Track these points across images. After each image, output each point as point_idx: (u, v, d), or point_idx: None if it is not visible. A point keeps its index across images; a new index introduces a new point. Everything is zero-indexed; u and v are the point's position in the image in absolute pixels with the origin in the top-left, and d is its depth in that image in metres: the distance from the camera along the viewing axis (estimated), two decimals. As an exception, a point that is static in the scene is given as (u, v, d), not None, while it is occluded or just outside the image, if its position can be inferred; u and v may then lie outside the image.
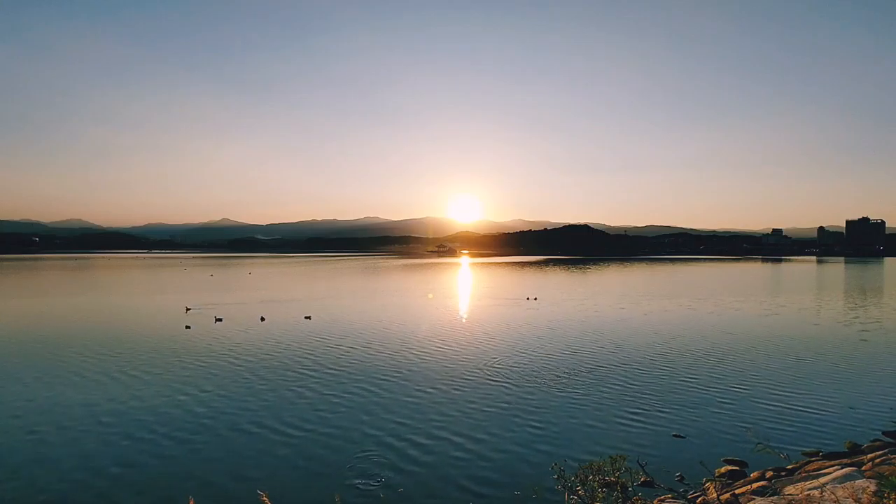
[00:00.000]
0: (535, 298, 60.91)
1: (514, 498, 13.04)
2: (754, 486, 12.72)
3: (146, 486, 13.68)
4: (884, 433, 17.16)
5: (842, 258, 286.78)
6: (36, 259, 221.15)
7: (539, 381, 23.85)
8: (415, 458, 15.40)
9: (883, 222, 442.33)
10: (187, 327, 38.72)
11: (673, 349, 31.12)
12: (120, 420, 18.59)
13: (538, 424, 18.14)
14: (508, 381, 23.87)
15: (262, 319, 43.06)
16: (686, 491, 12.93)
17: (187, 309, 49.26)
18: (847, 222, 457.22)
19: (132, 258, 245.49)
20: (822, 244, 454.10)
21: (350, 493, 13.17)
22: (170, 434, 17.21)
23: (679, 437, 17.01)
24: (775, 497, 11.24)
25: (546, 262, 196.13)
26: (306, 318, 43.93)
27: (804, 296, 67.11)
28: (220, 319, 42.52)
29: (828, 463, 14.03)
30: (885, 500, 7.39)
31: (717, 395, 21.74)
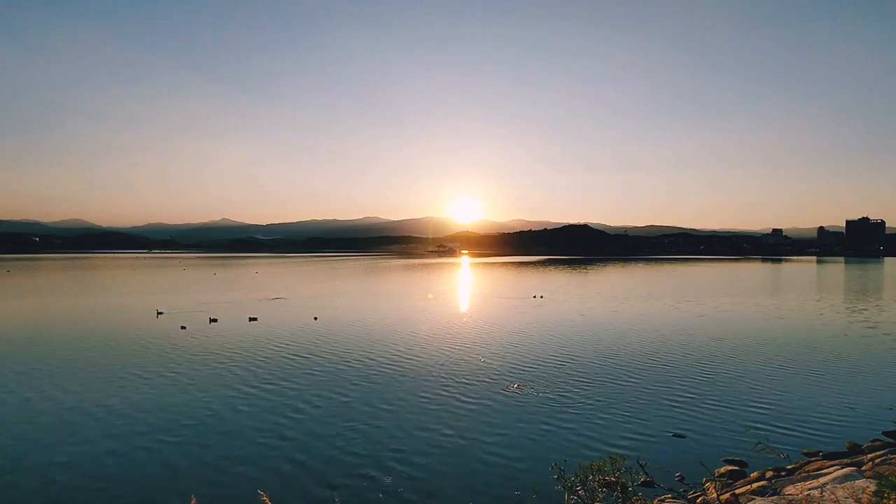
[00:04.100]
0: (541, 296, 62.21)
1: (514, 498, 13.04)
2: (754, 486, 12.72)
3: (148, 485, 13.68)
4: (884, 433, 17.16)
5: (842, 258, 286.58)
6: (35, 259, 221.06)
7: (539, 380, 23.84)
8: (415, 457, 15.40)
9: (883, 222, 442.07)
10: (182, 327, 38.68)
11: (673, 349, 31.11)
12: (118, 420, 18.59)
13: (538, 424, 18.14)
14: (507, 380, 23.87)
15: (254, 319, 42.90)
16: (686, 491, 12.93)
17: (158, 312, 46.60)
18: (847, 222, 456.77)
19: (132, 258, 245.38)
20: (822, 244, 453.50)
21: (350, 493, 13.17)
22: (169, 434, 17.22)
23: (679, 437, 17.01)
24: (775, 497, 11.24)
25: (546, 263, 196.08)
26: (314, 318, 43.91)
27: (804, 296, 67.10)
28: (214, 320, 42.47)
29: (828, 463, 14.03)
30: (884, 501, 7.38)
31: (717, 395, 21.75)
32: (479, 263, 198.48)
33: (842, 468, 12.61)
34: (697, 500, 12.21)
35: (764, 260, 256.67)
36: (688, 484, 13.61)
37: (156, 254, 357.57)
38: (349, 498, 12.91)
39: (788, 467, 14.16)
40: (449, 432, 17.43)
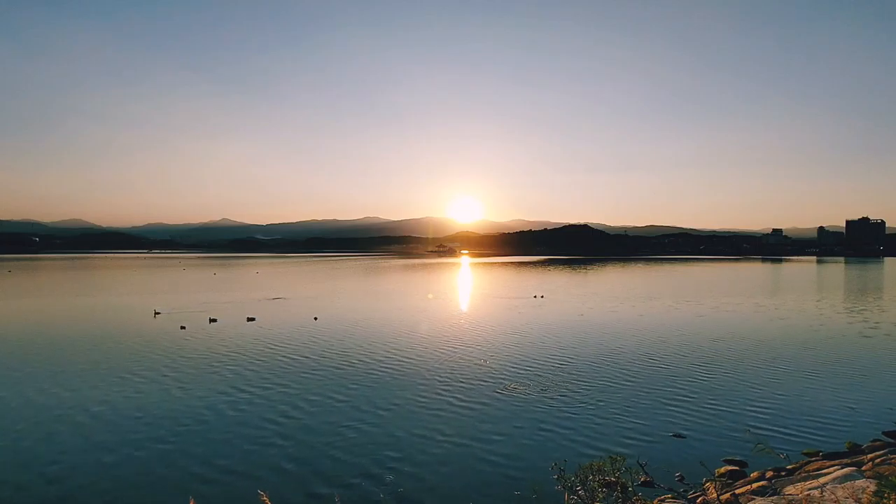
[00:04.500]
0: (542, 296, 62.54)
1: (514, 498, 13.03)
2: (754, 486, 12.72)
3: (147, 485, 13.68)
4: (884, 433, 17.17)
5: (842, 258, 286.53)
6: (35, 259, 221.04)
7: (539, 380, 23.84)
8: (415, 458, 15.40)
9: (883, 222, 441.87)
10: (182, 327, 38.68)
11: (673, 349, 31.11)
12: (118, 420, 18.59)
13: (538, 424, 18.14)
14: (507, 380, 23.86)
15: (252, 319, 42.84)
16: (686, 491, 12.93)
17: (156, 313, 46.38)
18: (847, 222, 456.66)
19: (132, 258, 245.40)
20: (822, 244, 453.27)
21: (350, 493, 13.17)
22: (168, 434, 17.21)
23: (679, 437, 17.01)
24: (775, 497, 11.24)
25: (546, 263, 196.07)
26: (314, 318, 43.86)
27: (804, 296, 67.10)
28: (214, 320, 42.44)
29: (828, 463, 14.03)
30: (884, 501, 7.37)
31: (718, 395, 21.75)
32: (479, 263, 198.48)
33: (842, 468, 12.60)
34: (697, 500, 12.21)
35: (764, 260, 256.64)
36: (688, 484, 13.61)
37: (156, 254, 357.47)
38: (349, 498, 12.90)
39: (788, 467, 14.16)
40: (449, 433, 17.43)
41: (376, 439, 16.79)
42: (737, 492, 12.32)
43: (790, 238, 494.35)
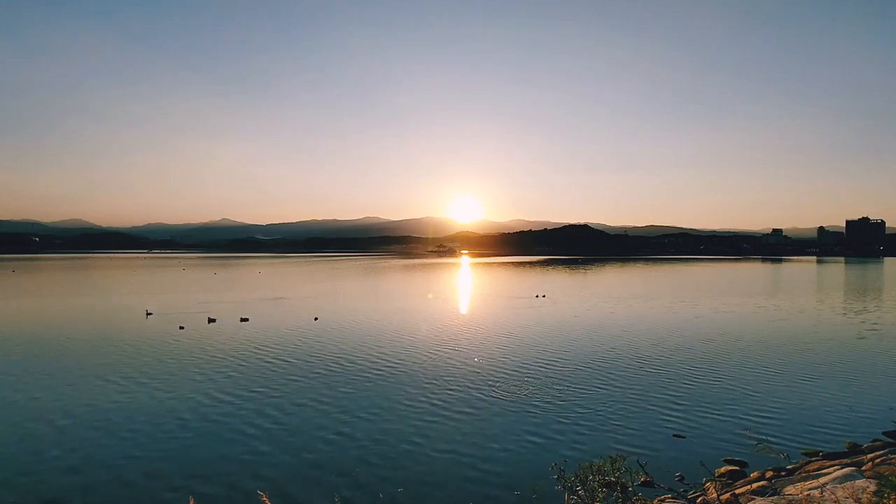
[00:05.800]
0: (544, 296, 62.76)
1: (514, 498, 13.04)
2: (754, 486, 12.72)
3: (147, 485, 13.68)
4: (884, 433, 17.17)
5: (842, 258, 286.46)
6: (35, 259, 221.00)
7: (539, 380, 23.84)
8: (415, 457, 15.41)
9: (883, 222, 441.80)
10: (181, 328, 38.66)
11: (673, 349, 31.11)
12: (118, 421, 18.58)
13: (538, 424, 18.14)
14: (508, 380, 23.87)
15: (245, 320, 42.63)
16: (686, 491, 12.94)
17: (148, 313, 46.06)
18: (847, 222, 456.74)
19: (132, 258, 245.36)
20: (822, 244, 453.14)
21: (350, 493, 13.17)
22: (168, 434, 17.22)
23: (679, 437, 17.01)
24: (775, 497, 11.24)
25: (546, 263, 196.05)
26: (315, 318, 43.83)
27: (804, 296, 67.11)
28: (213, 320, 42.41)
29: (828, 463, 14.03)
30: (884, 501, 7.38)
31: (718, 395, 21.75)
32: (479, 263, 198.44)
33: (842, 468, 12.61)
34: (697, 500, 12.21)
35: (764, 260, 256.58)
36: (688, 484, 13.61)
37: (156, 254, 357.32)
38: (350, 498, 12.90)
39: (788, 467, 14.17)
40: (449, 433, 17.43)
41: (377, 439, 16.78)
42: (737, 492, 12.32)
43: (790, 238, 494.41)
